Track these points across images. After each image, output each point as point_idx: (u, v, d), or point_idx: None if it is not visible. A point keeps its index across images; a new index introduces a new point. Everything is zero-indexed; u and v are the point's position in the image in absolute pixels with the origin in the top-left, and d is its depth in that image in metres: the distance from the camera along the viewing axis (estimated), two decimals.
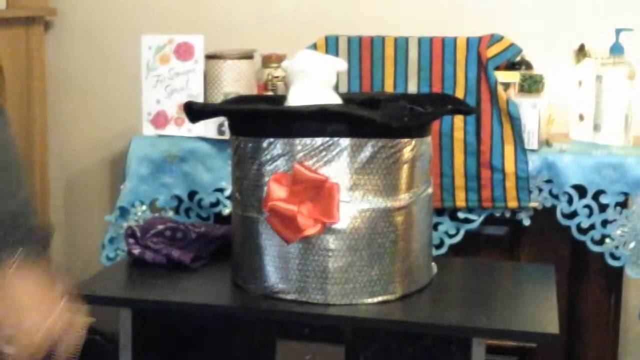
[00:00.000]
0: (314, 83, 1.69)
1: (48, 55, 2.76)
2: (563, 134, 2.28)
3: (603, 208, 2.05)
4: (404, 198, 1.62)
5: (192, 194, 2.25)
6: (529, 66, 2.26)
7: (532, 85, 2.16)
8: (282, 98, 1.79)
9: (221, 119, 2.16)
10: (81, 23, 2.74)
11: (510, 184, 2.08)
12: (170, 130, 2.30)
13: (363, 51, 2.15)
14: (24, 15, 2.63)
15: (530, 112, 2.10)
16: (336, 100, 1.70)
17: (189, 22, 2.62)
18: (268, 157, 1.60)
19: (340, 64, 1.73)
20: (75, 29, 2.75)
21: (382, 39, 2.14)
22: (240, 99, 1.86)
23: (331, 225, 1.57)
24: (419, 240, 1.67)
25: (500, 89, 2.08)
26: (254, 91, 2.35)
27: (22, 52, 2.65)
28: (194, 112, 1.67)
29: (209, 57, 2.33)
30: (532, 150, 2.09)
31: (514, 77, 2.17)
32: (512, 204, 2.09)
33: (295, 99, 1.68)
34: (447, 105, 1.69)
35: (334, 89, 1.73)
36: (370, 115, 1.56)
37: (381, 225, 1.59)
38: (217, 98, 2.30)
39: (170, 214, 2.24)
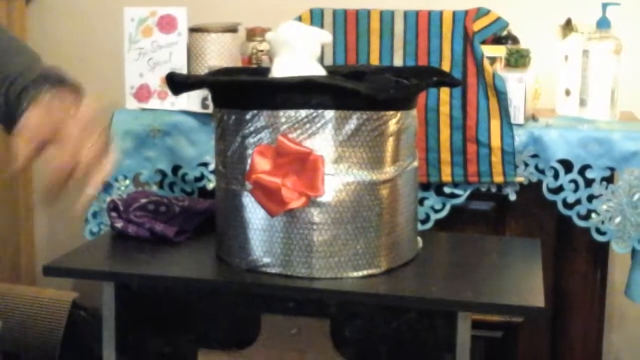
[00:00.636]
0: (299, 55, 1.66)
1: (29, 29, 2.73)
2: (549, 108, 2.28)
3: (589, 183, 2.05)
4: (389, 171, 1.60)
5: (176, 168, 2.23)
6: (515, 40, 2.25)
7: (518, 59, 2.15)
8: (266, 71, 1.76)
9: (205, 92, 2.14)
10: None
11: (496, 158, 2.07)
12: (154, 104, 2.28)
13: (348, 24, 2.13)
14: None
15: (517, 86, 2.09)
16: (321, 72, 1.68)
17: None
18: (252, 129, 1.58)
19: (325, 36, 1.71)
20: (56, 2, 2.71)
21: (368, 12, 2.12)
22: (224, 72, 1.84)
23: (316, 198, 1.56)
24: (404, 214, 1.66)
25: (486, 63, 2.06)
26: (238, 65, 2.33)
27: (2, 26, 2.61)
28: (177, 83, 1.65)
29: (193, 30, 2.30)
30: (518, 125, 2.08)
31: (500, 51, 2.16)
32: (498, 178, 2.08)
33: (279, 70, 1.66)
34: (433, 78, 1.67)
35: (318, 61, 1.71)
36: (355, 86, 1.54)
37: (366, 198, 1.58)
38: (201, 71, 2.28)
39: (154, 188, 2.22)
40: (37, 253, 2.81)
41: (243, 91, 1.59)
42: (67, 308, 2.36)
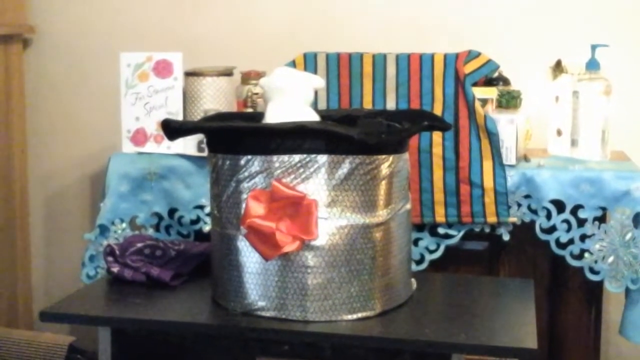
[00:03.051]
0: (292, 100, 1.69)
1: (27, 73, 2.76)
2: (541, 149, 2.30)
3: (581, 223, 2.06)
4: (382, 214, 1.62)
5: (172, 211, 2.25)
6: (506, 82, 2.27)
7: (509, 100, 2.17)
8: (261, 115, 1.79)
9: (200, 136, 2.16)
10: (60, 41, 2.74)
11: (489, 199, 2.09)
12: (150, 147, 2.30)
13: (341, 68, 2.15)
14: (3, 33, 2.62)
15: (508, 127, 2.11)
16: (313, 117, 1.70)
17: (167, 39, 2.62)
18: (246, 174, 1.60)
19: (317, 81, 1.74)
20: (54, 46, 2.75)
21: (360, 56, 2.15)
22: (219, 116, 1.86)
23: (310, 242, 1.58)
24: (398, 256, 1.68)
25: (478, 104, 2.09)
26: (233, 108, 2.36)
27: (0, 69, 2.64)
28: (172, 130, 1.68)
29: (188, 74, 2.33)
30: (511, 166, 2.10)
31: (491, 92, 2.19)
32: (492, 219, 2.09)
33: (273, 116, 1.68)
34: (424, 122, 1.70)
35: (311, 105, 1.73)
36: (348, 132, 1.56)
37: (360, 241, 1.60)
38: (197, 115, 2.30)
39: (151, 231, 2.23)
40: (34, 297, 2.81)
41: (237, 137, 1.62)
42: (64, 352, 2.36)
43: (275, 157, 1.58)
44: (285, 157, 1.58)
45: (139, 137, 2.30)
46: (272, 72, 1.72)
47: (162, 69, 2.29)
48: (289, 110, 1.67)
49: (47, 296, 2.76)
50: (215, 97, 2.33)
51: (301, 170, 1.57)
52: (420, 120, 1.69)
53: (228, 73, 2.37)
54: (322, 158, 1.57)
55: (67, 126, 2.77)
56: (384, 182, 1.61)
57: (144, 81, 2.30)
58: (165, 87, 2.29)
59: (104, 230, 2.24)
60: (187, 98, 2.33)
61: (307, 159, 1.57)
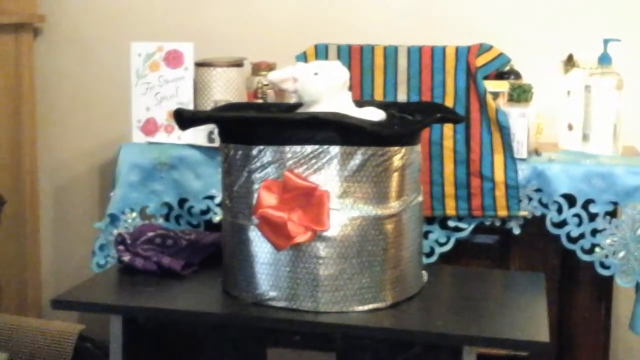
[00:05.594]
0: (348, 93, 1.69)
1: (37, 63, 2.76)
2: (552, 143, 2.29)
3: (592, 217, 2.06)
4: (394, 206, 1.62)
5: (182, 202, 2.25)
6: (517, 76, 2.27)
7: (521, 94, 2.17)
8: (272, 106, 1.78)
9: (211, 126, 2.16)
10: (70, 30, 2.74)
11: (500, 192, 2.08)
12: (160, 137, 2.30)
13: (353, 60, 2.15)
14: (13, 22, 2.62)
15: (519, 121, 2.11)
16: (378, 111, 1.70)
17: (178, 29, 2.62)
18: (258, 164, 1.60)
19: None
20: (64, 36, 2.75)
21: (372, 48, 2.15)
22: (230, 107, 1.86)
23: (321, 232, 1.57)
24: (410, 248, 1.67)
25: (489, 98, 2.08)
26: (243, 99, 2.36)
27: (10, 60, 2.64)
28: (184, 119, 1.67)
29: (199, 64, 2.33)
30: (522, 159, 2.10)
31: (503, 86, 2.18)
32: (502, 212, 2.09)
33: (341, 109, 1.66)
34: (437, 114, 1.69)
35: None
36: (361, 123, 1.56)
37: (371, 233, 1.60)
38: (207, 106, 2.30)
39: (161, 221, 2.24)
40: (44, 285, 2.82)
41: (250, 127, 1.61)
42: (74, 340, 2.36)
43: (287, 148, 1.58)
44: (298, 148, 1.57)
45: (149, 127, 2.30)
46: (316, 67, 1.70)
47: (173, 59, 2.28)
48: (352, 105, 1.68)
49: (57, 285, 2.76)
50: (226, 88, 2.33)
51: (313, 161, 1.57)
52: (433, 112, 1.69)
53: (238, 64, 2.37)
54: (335, 149, 1.57)
55: (77, 116, 2.77)
56: (396, 174, 1.61)
57: (155, 71, 2.30)
58: (176, 77, 2.29)
59: (114, 219, 2.25)
60: (197, 88, 2.33)
61: (320, 150, 1.57)
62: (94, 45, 2.73)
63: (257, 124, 1.61)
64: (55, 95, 2.79)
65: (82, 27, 2.73)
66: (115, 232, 2.21)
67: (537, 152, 2.18)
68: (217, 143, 2.15)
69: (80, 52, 2.74)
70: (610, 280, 2.12)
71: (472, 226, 2.14)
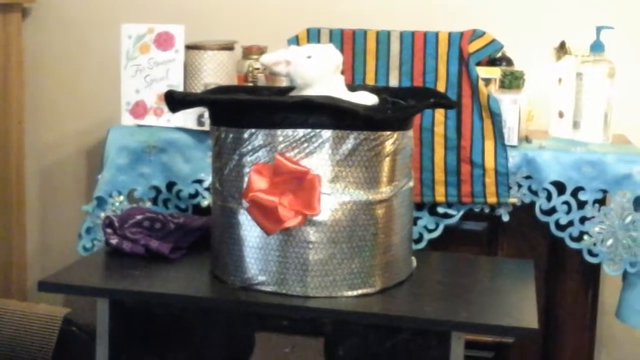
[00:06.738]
0: (340, 77, 1.68)
1: (26, 43, 2.73)
2: (542, 130, 2.29)
3: (581, 205, 2.06)
4: (385, 191, 1.62)
5: (170, 185, 2.23)
6: (509, 62, 2.26)
7: (512, 81, 2.16)
8: (263, 89, 1.77)
9: (201, 109, 2.15)
10: (60, 10, 2.72)
11: (490, 179, 2.08)
12: (149, 120, 2.28)
13: (345, 44, 2.14)
14: (1, 2, 2.59)
15: (511, 108, 2.10)
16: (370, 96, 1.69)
17: (169, 11, 2.60)
18: (249, 147, 1.59)
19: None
20: (53, 16, 2.72)
21: (364, 33, 2.14)
22: (221, 89, 1.85)
23: (312, 217, 1.57)
24: (400, 233, 1.67)
25: (481, 84, 2.08)
26: (234, 83, 2.34)
27: None
28: (176, 101, 1.66)
29: (190, 47, 2.31)
30: (512, 146, 2.10)
31: (495, 72, 2.18)
32: (492, 199, 2.09)
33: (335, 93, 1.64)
34: (429, 99, 1.69)
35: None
36: (353, 107, 1.55)
37: (362, 218, 1.59)
38: (197, 89, 2.29)
39: (149, 204, 2.22)
40: (29, 268, 2.80)
41: (242, 110, 1.60)
42: (59, 324, 2.35)
43: (279, 131, 1.57)
44: (290, 132, 1.56)
45: (138, 109, 2.29)
46: (309, 50, 1.68)
47: (164, 41, 2.27)
48: (345, 89, 1.66)
49: (43, 269, 2.75)
50: (216, 71, 2.32)
51: (305, 145, 1.56)
52: (425, 98, 1.68)
53: (229, 47, 2.35)
54: (327, 133, 1.56)
55: (65, 98, 2.75)
56: (388, 159, 1.60)
57: (145, 53, 2.28)
58: (166, 60, 2.27)
59: (101, 202, 2.23)
60: (188, 71, 2.31)
61: (312, 134, 1.56)
62: (83, 27, 2.70)
63: (249, 107, 1.60)
64: (43, 77, 2.76)
65: (71, 7, 2.71)
66: (103, 215, 2.19)
67: (527, 139, 2.17)
68: (206, 126, 2.14)
69: (69, 33, 2.72)
70: (597, 268, 2.12)
71: (461, 213, 2.13)
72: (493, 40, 2.13)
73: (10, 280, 2.72)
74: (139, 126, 2.28)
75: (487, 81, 2.14)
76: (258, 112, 1.58)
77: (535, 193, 2.08)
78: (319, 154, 1.56)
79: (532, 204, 2.09)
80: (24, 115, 2.74)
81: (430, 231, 2.16)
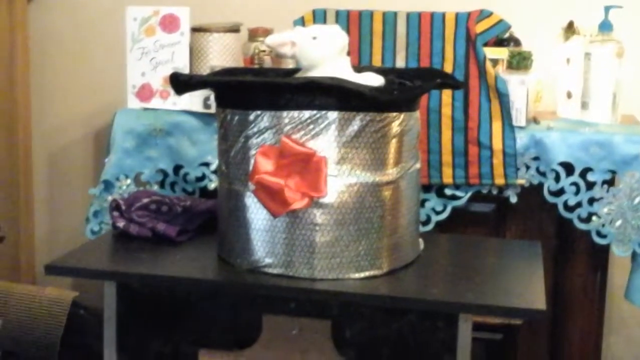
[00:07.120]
0: (346, 58, 1.67)
1: (31, 27, 2.72)
2: (550, 111, 2.28)
3: (590, 186, 2.05)
4: (391, 173, 1.61)
5: (177, 168, 2.23)
6: (517, 43, 2.25)
7: (520, 61, 2.15)
8: (269, 71, 1.76)
9: (207, 92, 2.14)
10: None
11: (498, 160, 2.07)
12: (155, 103, 2.28)
13: (351, 25, 2.13)
14: None
15: (519, 88, 2.09)
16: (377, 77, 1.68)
17: None
18: (255, 129, 1.58)
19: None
20: (59, 0, 2.71)
21: (371, 14, 2.12)
22: (227, 72, 1.84)
23: (318, 199, 1.56)
24: (407, 215, 1.66)
25: (488, 64, 2.06)
26: (240, 65, 2.33)
27: (4, 24, 2.61)
28: (181, 83, 1.65)
29: (195, 29, 2.30)
30: (520, 127, 2.09)
31: (502, 53, 2.16)
32: (499, 181, 2.08)
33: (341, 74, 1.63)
34: (436, 80, 1.67)
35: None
36: (359, 88, 1.54)
37: (369, 199, 1.58)
38: (203, 71, 2.28)
39: (155, 188, 2.22)
40: (37, 252, 2.81)
41: (247, 92, 1.59)
42: (67, 307, 2.36)
43: (285, 113, 1.56)
44: (295, 113, 1.55)
45: (144, 92, 2.28)
46: (314, 31, 1.66)
47: (169, 23, 2.26)
48: (351, 70, 1.65)
49: (50, 252, 2.75)
50: (222, 54, 2.31)
51: (311, 126, 1.55)
52: (432, 78, 1.67)
53: (235, 29, 2.34)
54: (333, 114, 1.55)
55: (71, 81, 2.74)
56: (394, 140, 1.59)
57: (151, 36, 2.27)
58: (172, 42, 2.26)
59: (108, 185, 2.23)
60: (193, 54, 2.30)
61: (318, 115, 1.55)
62: (89, 10, 2.69)
63: (255, 89, 1.59)
64: (49, 60, 2.76)
65: None
66: (110, 198, 2.19)
67: (535, 120, 2.16)
68: (212, 109, 2.13)
69: (75, 16, 2.71)
70: (606, 249, 2.11)
71: (468, 194, 2.13)
72: (500, 21, 2.11)
73: (18, 264, 2.72)
74: (145, 109, 2.27)
75: (495, 62, 2.13)
76: (263, 94, 1.57)
77: (543, 174, 2.07)
78: (325, 136, 1.55)
79: (540, 185, 2.08)
80: (31, 99, 2.74)
81: (437, 213, 2.15)
